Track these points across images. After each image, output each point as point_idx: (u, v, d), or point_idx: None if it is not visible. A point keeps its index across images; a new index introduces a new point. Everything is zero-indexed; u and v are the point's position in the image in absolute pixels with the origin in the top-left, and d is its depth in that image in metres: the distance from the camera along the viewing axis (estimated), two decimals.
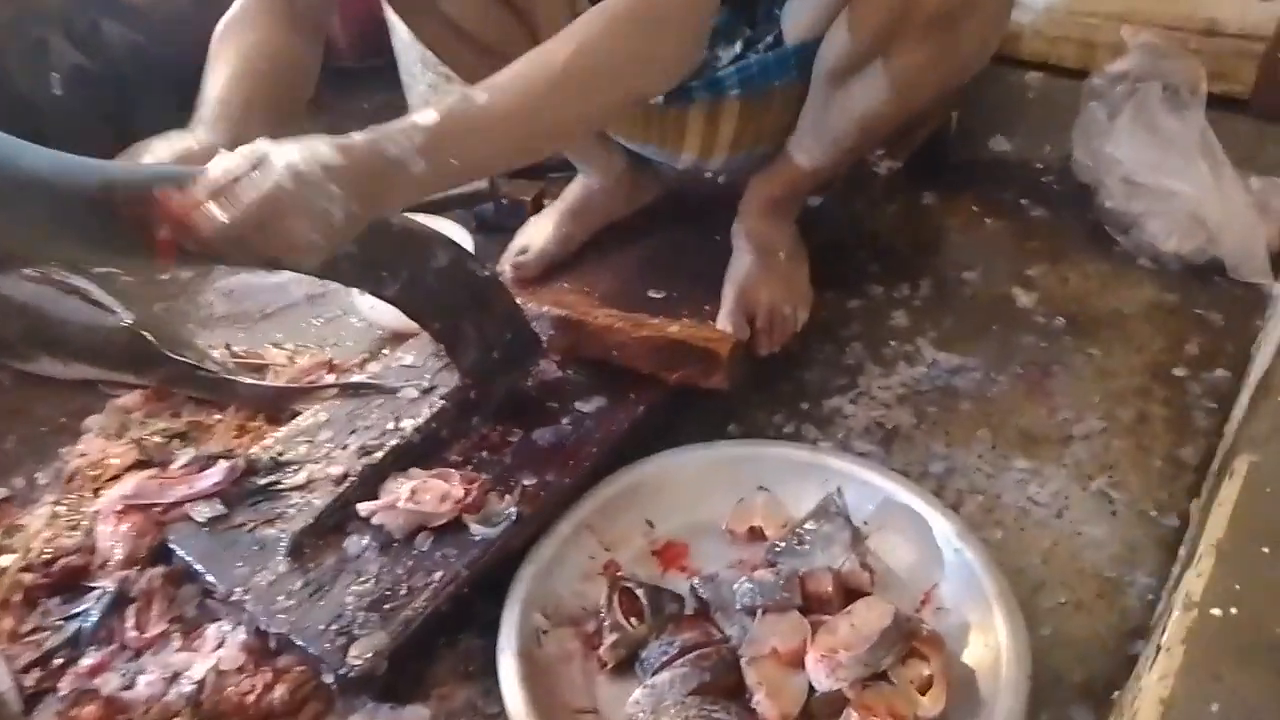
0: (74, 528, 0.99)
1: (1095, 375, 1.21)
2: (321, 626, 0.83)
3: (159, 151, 0.79)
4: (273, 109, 0.89)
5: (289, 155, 0.71)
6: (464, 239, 1.43)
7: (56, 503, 1.04)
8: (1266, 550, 0.55)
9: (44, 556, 0.95)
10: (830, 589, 0.87)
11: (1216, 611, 0.52)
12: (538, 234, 1.26)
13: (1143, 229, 1.38)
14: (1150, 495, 1.04)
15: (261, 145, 0.72)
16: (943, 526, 0.92)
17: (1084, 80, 1.47)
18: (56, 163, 0.71)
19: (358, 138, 0.75)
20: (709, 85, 1.07)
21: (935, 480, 1.07)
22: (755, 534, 0.97)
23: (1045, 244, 1.45)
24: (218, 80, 0.88)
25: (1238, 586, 0.54)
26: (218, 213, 0.69)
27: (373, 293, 0.93)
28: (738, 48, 1.07)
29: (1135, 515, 1.02)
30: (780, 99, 1.11)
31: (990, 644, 0.84)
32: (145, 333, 1.19)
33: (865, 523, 0.96)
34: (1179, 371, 1.21)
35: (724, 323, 1.11)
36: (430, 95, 1.66)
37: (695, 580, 0.90)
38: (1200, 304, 1.32)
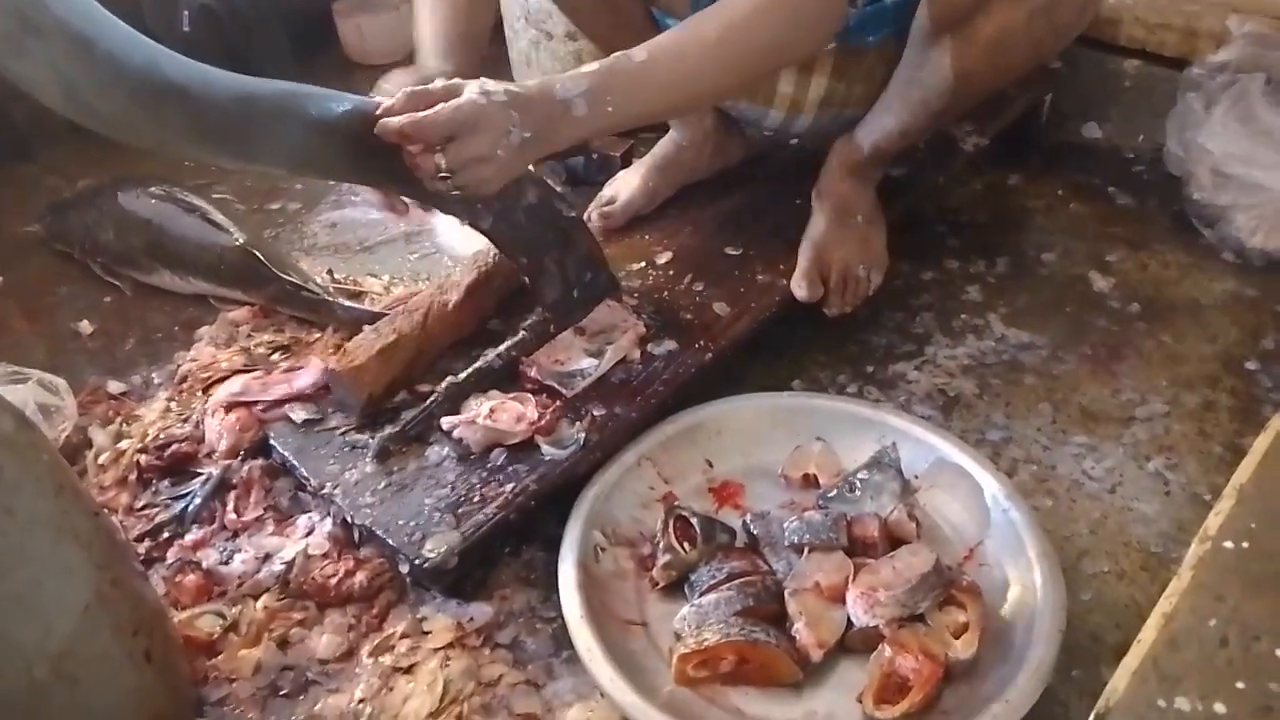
0: (184, 420, 1.09)
1: (1164, 360, 1.21)
2: (401, 522, 0.91)
3: (397, 80, 0.92)
4: (478, 39, 1.04)
5: (478, 83, 0.83)
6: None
7: (170, 399, 1.14)
8: None
9: (157, 442, 1.04)
10: (876, 534, 0.90)
11: (1229, 544, 0.55)
12: (624, 186, 1.31)
13: (1229, 222, 1.36)
14: (1206, 479, 1.05)
15: (456, 80, 0.85)
16: (992, 487, 0.95)
17: (1183, 70, 1.45)
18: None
19: (531, 82, 0.86)
20: None
21: (991, 447, 1.09)
22: (809, 481, 1.01)
23: (1128, 231, 1.44)
24: (429, 17, 1.02)
25: (1254, 525, 0.56)
26: (419, 116, 0.81)
27: (470, 224, 1.00)
28: None
29: (1189, 497, 1.03)
30: (873, 59, 1.14)
31: (1028, 601, 0.86)
32: (256, 252, 1.27)
33: (916, 477, 0.99)
34: (1251, 364, 1.20)
35: (798, 280, 1.15)
36: (531, 51, 1.72)
37: (747, 516, 0.95)
38: None
